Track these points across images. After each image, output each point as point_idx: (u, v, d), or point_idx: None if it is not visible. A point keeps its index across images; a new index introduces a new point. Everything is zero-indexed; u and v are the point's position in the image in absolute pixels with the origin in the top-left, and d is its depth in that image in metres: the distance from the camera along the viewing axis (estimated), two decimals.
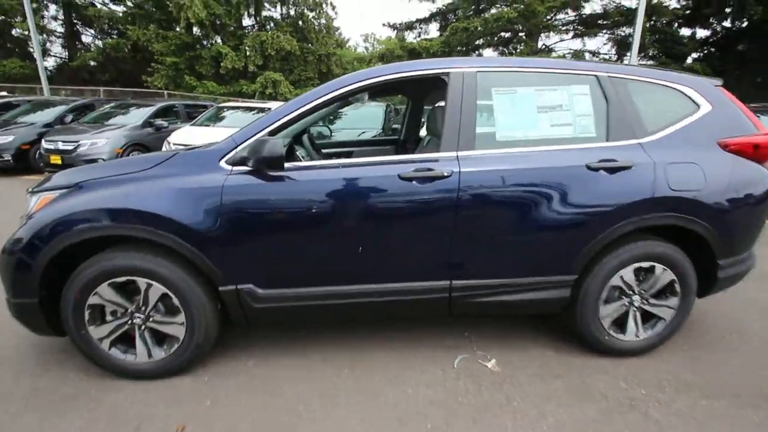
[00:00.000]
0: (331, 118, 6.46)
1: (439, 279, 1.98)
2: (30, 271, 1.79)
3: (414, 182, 1.85)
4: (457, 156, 1.90)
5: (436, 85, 2.11)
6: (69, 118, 8.92)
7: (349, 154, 3.47)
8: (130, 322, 1.92)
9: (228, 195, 1.79)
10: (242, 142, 1.86)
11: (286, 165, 1.86)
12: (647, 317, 2.21)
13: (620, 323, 2.19)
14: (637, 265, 2.08)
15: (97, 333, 1.91)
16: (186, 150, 2.03)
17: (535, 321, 2.57)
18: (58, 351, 2.24)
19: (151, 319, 1.92)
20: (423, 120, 3.59)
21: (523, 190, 1.91)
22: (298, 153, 2.56)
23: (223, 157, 1.85)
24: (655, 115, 2.10)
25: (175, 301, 1.87)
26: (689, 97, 2.14)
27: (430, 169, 1.85)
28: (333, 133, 5.18)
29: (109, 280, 1.83)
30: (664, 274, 2.12)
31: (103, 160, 7.09)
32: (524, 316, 2.58)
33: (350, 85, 1.95)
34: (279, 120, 1.91)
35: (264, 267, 1.90)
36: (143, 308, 1.90)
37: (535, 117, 2.00)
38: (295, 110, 1.93)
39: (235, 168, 1.84)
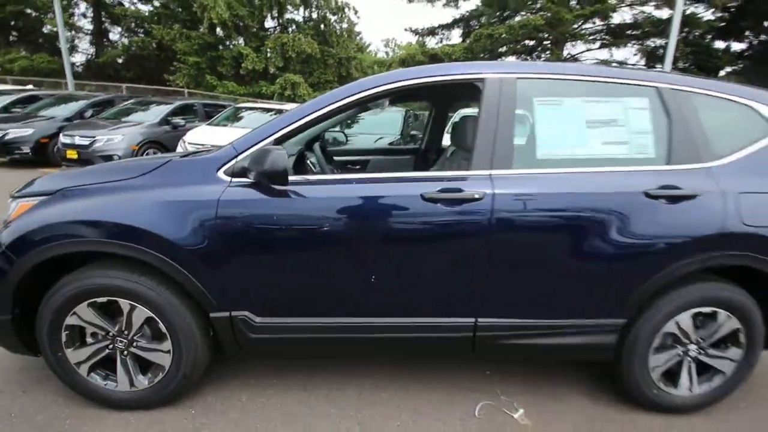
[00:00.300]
0: (348, 122, 6.26)
1: (462, 315, 1.71)
2: (2, 285, 1.59)
3: (439, 204, 1.59)
4: (491, 175, 1.64)
5: (466, 92, 1.85)
6: (89, 113, 8.95)
7: (364, 164, 3.23)
8: (111, 346, 1.71)
9: (224, 210, 1.57)
10: (243, 151, 1.63)
11: (294, 178, 1.63)
12: (703, 369, 1.89)
13: (671, 375, 1.88)
14: (696, 310, 1.78)
15: (74, 356, 1.70)
16: (181, 157, 1.81)
17: (569, 362, 2.26)
18: (41, 366, 2.04)
19: (134, 345, 1.70)
20: (447, 129, 3.33)
21: (568, 219, 1.63)
22: (309, 161, 2.33)
23: (221, 167, 1.62)
24: (724, 135, 1.80)
25: (161, 326, 1.65)
26: (764, 117, 1.83)
27: (458, 190, 1.59)
28: (349, 139, 4.95)
29: (88, 300, 1.62)
30: (727, 322, 1.81)
31: (118, 156, 7.05)
32: None
33: (371, 89, 1.70)
34: (288, 126, 1.67)
35: (263, 293, 1.67)
36: (126, 332, 1.69)
37: (584, 133, 1.72)
38: (307, 116, 1.69)
39: (235, 179, 1.61)
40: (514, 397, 1.97)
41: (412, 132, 6.80)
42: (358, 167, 3.28)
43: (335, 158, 3.08)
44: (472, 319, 1.71)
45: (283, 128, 1.65)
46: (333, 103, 1.69)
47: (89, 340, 1.71)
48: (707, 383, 1.89)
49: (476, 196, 1.58)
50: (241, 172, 1.60)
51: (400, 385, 2.03)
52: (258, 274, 1.63)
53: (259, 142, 1.63)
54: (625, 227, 1.64)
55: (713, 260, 1.69)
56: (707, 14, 16.67)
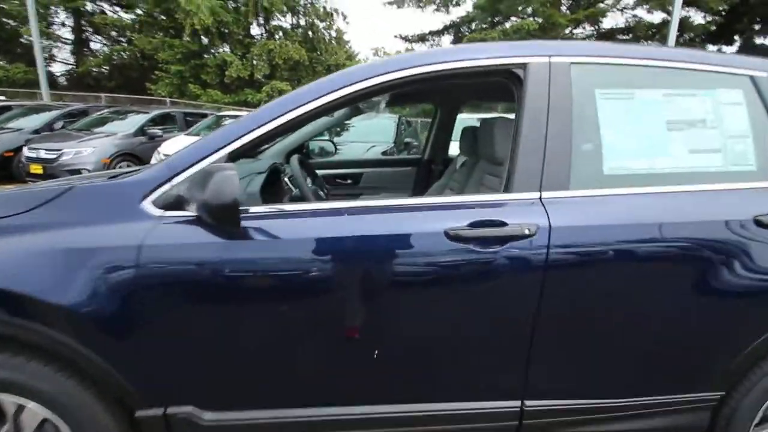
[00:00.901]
0: (338, 130, 5.76)
1: (503, 398, 1.21)
2: None
3: (471, 245, 1.09)
4: (541, 199, 1.15)
5: (496, 85, 1.37)
6: (59, 124, 8.36)
7: (356, 178, 2.73)
8: None
9: (151, 258, 1.04)
10: (181, 171, 1.11)
11: (258, 209, 1.12)
12: None
13: None
14: None
15: None
16: (90, 182, 1.28)
17: None
18: None
19: None
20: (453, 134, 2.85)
21: (653, 260, 1.15)
22: (286, 180, 1.82)
23: (147, 195, 1.10)
24: None
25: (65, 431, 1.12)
26: None
27: (501, 224, 1.10)
28: (338, 149, 4.42)
29: None
30: None
31: (87, 170, 6.47)
32: None
33: (363, 81, 1.19)
34: (247, 134, 1.15)
35: (213, 378, 1.15)
36: None
37: (665, 137, 1.24)
38: (276, 119, 1.18)
39: (169, 213, 1.09)
40: None
41: (406, 139, 6.35)
42: (349, 182, 2.79)
43: (322, 172, 2.57)
44: (517, 403, 1.21)
45: (239, 137, 1.13)
46: (312, 100, 1.17)
47: None
48: None
49: (527, 232, 1.08)
50: (177, 203, 1.08)
51: None
52: (205, 352, 1.11)
53: (204, 158, 1.11)
54: (730, 268, 1.16)
55: None
56: (698, 17, 16.69)
